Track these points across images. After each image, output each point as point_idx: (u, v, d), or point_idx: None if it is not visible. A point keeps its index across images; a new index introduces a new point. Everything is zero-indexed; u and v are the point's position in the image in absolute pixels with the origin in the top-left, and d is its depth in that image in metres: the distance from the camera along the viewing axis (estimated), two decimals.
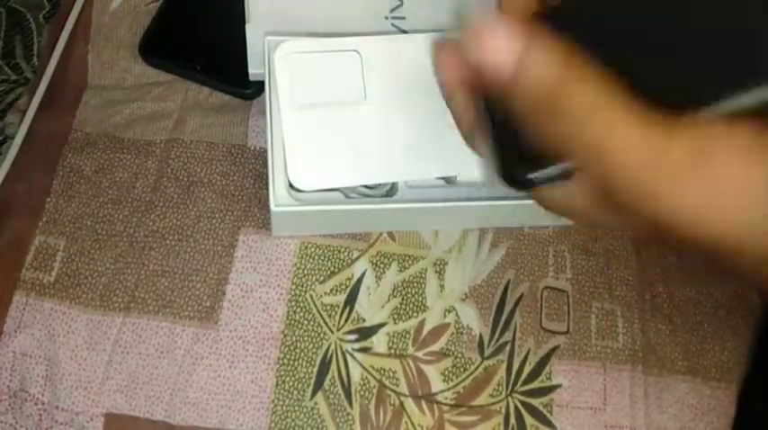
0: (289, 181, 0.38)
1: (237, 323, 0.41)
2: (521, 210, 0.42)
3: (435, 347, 0.42)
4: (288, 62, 0.39)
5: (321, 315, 0.42)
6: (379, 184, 0.40)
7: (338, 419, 0.40)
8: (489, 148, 0.25)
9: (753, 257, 0.19)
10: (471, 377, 0.41)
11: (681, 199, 0.19)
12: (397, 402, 0.40)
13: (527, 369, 0.42)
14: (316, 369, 0.41)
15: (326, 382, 0.40)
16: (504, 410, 0.41)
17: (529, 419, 0.41)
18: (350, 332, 0.42)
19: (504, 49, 0.19)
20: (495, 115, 0.25)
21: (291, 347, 0.41)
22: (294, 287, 0.42)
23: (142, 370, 0.40)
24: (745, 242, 0.19)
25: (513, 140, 0.24)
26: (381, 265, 0.43)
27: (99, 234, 0.43)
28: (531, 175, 0.24)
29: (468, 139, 0.27)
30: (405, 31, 0.45)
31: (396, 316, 0.42)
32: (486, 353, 0.42)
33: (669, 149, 0.19)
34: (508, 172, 0.25)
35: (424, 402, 0.41)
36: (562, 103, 0.19)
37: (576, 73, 0.19)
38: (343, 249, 0.43)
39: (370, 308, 0.42)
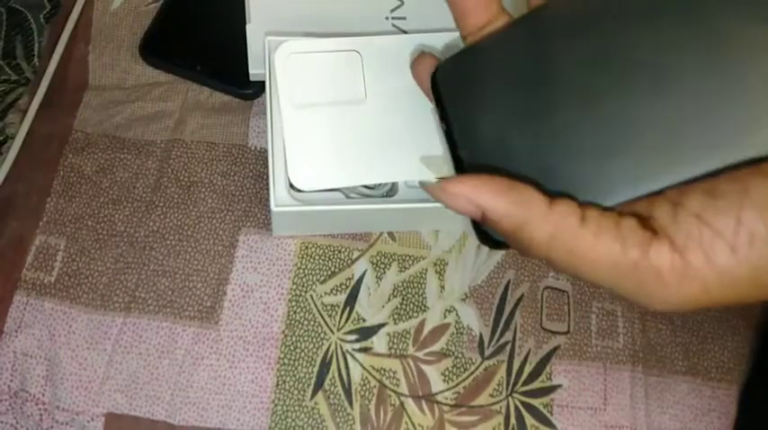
0: (289, 181, 0.38)
1: (238, 323, 0.41)
2: None
3: (435, 347, 0.42)
4: (288, 62, 0.39)
5: (321, 315, 0.42)
6: (379, 184, 0.40)
7: (338, 419, 0.40)
8: None
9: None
10: (471, 377, 0.41)
11: (668, 299, 0.21)
12: (398, 402, 0.40)
13: (527, 369, 0.42)
14: (316, 369, 0.41)
15: (327, 382, 0.40)
16: (504, 410, 0.41)
17: (529, 419, 0.41)
18: (350, 332, 0.42)
19: (466, 208, 0.23)
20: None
21: (292, 347, 0.41)
22: (294, 287, 0.42)
23: (143, 370, 0.40)
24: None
25: None
26: (381, 265, 0.43)
27: (99, 234, 0.43)
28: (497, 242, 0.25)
29: None
30: (405, 31, 0.45)
31: (396, 316, 0.42)
32: (487, 353, 0.42)
33: (648, 264, 0.21)
34: (482, 234, 0.26)
35: (424, 402, 0.41)
36: (524, 240, 0.22)
37: (530, 215, 0.22)
38: (343, 249, 0.43)
39: (371, 308, 0.42)
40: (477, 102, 0.26)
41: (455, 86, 0.27)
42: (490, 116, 0.25)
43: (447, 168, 0.39)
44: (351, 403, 0.40)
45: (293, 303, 0.42)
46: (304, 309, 0.42)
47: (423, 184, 0.24)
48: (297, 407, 0.40)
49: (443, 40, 0.40)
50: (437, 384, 0.41)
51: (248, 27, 0.44)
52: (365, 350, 0.41)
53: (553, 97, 0.24)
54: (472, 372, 0.41)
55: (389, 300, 0.43)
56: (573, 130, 0.23)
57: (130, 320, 0.41)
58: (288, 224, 0.41)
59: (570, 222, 0.21)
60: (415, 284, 0.43)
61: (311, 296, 0.42)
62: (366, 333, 0.42)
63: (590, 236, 0.21)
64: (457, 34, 0.32)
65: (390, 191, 0.41)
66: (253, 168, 0.45)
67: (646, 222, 0.22)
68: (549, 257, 0.22)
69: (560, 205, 0.22)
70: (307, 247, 0.43)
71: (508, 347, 0.42)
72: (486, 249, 0.44)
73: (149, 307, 0.41)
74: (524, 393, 0.41)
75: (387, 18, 0.46)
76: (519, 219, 0.22)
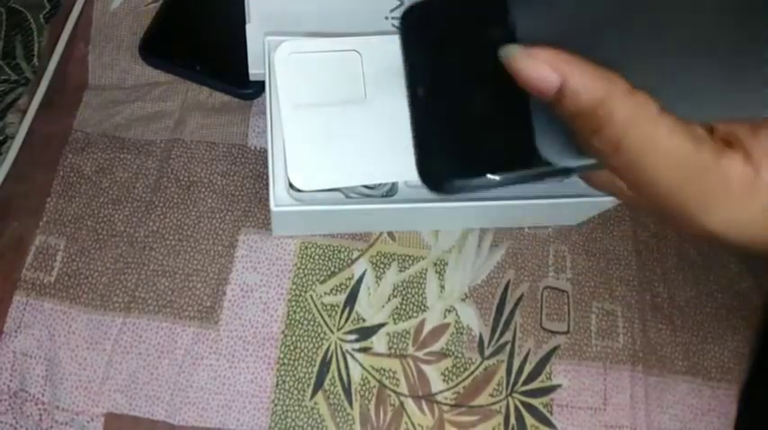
0: (289, 181, 0.38)
1: (238, 323, 0.41)
2: (521, 210, 0.41)
3: (435, 347, 0.42)
4: (288, 62, 0.39)
5: (321, 315, 0.42)
6: (379, 184, 0.40)
7: (338, 419, 0.40)
8: (413, 141, 0.25)
9: None
10: (471, 377, 0.41)
11: (729, 212, 0.21)
12: (397, 402, 0.40)
13: (527, 369, 0.42)
14: (316, 369, 0.41)
15: (326, 382, 0.40)
16: (504, 410, 0.41)
17: (529, 419, 0.41)
18: (350, 332, 0.42)
19: (548, 76, 0.21)
20: (426, 107, 0.25)
21: (291, 347, 0.41)
22: (294, 287, 0.42)
23: (142, 370, 0.40)
24: None
25: (442, 138, 0.24)
26: (381, 265, 0.43)
27: (99, 234, 0.43)
28: (459, 182, 0.23)
29: None
30: None
31: (396, 316, 0.42)
32: (487, 353, 0.42)
33: (718, 169, 0.21)
34: (426, 174, 0.24)
35: (424, 402, 0.40)
36: (601, 118, 0.21)
37: (613, 90, 0.21)
38: (343, 249, 0.43)
39: (371, 308, 0.42)
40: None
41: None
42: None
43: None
44: (350, 403, 0.40)
45: (293, 303, 0.42)
46: (304, 309, 0.42)
47: (501, 51, 0.22)
48: (297, 407, 0.40)
49: None
50: (437, 384, 0.41)
51: (248, 27, 0.44)
52: (365, 350, 0.41)
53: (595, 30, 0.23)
54: (472, 372, 0.41)
55: (389, 299, 0.43)
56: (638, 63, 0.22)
57: (130, 320, 0.41)
58: (288, 224, 0.41)
59: (650, 109, 0.21)
60: (415, 284, 0.43)
61: (311, 296, 0.42)
62: (366, 333, 0.42)
63: (666, 128, 0.21)
64: None
65: (390, 191, 0.40)
66: (253, 168, 0.45)
67: (721, 134, 0.22)
68: (620, 142, 0.21)
69: (640, 92, 0.21)
70: (306, 247, 0.43)
71: (508, 347, 0.42)
72: (486, 249, 0.44)
73: (149, 307, 0.41)
74: (524, 393, 0.41)
75: (386, 18, 0.46)
76: (601, 92, 0.21)
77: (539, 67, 0.21)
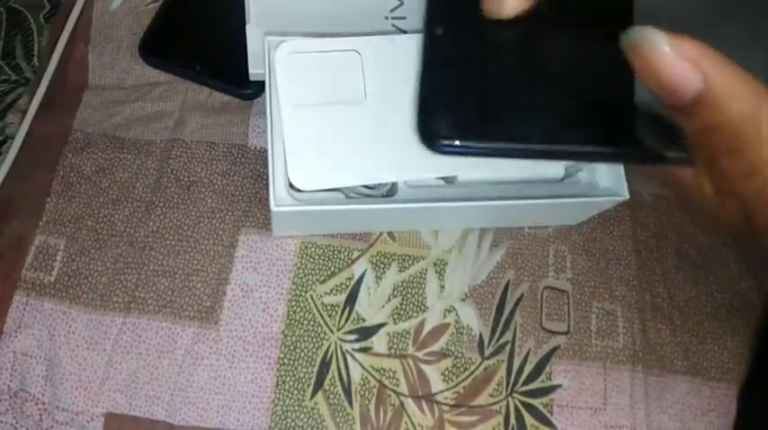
0: (289, 181, 0.38)
1: (238, 323, 0.41)
2: (521, 210, 0.42)
3: (435, 347, 0.42)
4: (288, 62, 0.39)
5: (321, 315, 0.42)
6: (379, 184, 0.40)
7: (338, 419, 0.40)
8: (416, 92, 0.20)
9: None
10: (471, 377, 0.41)
11: None
12: (397, 402, 0.40)
13: (527, 369, 0.42)
14: (316, 369, 0.41)
15: (326, 382, 0.40)
16: (504, 410, 0.41)
17: (529, 419, 0.41)
18: (350, 332, 0.42)
19: (688, 76, 0.17)
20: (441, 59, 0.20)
21: (291, 347, 0.41)
22: (294, 287, 0.42)
23: (142, 370, 0.40)
24: None
25: (454, 90, 0.20)
26: (381, 265, 0.43)
27: (99, 234, 0.43)
28: (453, 143, 0.19)
29: None
30: (405, 31, 0.45)
31: (396, 316, 0.42)
32: (486, 353, 0.42)
33: None
34: (427, 128, 0.19)
35: (424, 402, 0.41)
36: (745, 134, 0.18)
37: (764, 104, 0.18)
38: (343, 249, 0.43)
39: (371, 308, 0.42)
40: None
41: None
42: None
43: (446, 167, 0.39)
44: (350, 403, 0.40)
45: (293, 303, 0.42)
46: (304, 309, 0.42)
47: (630, 33, 0.17)
48: (297, 407, 0.40)
49: None
50: (437, 384, 0.41)
51: (248, 27, 0.44)
52: (365, 350, 0.41)
53: None
54: (472, 372, 0.41)
55: (389, 299, 0.43)
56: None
57: (130, 320, 0.41)
58: (288, 224, 0.41)
59: None
60: (415, 284, 0.43)
61: (311, 296, 0.42)
62: (366, 333, 0.42)
63: None
64: None
65: (390, 191, 0.40)
66: (253, 168, 0.45)
67: None
68: (765, 166, 0.18)
69: None
70: (306, 247, 0.43)
71: (508, 347, 0.42)
72: (486, 249, 0.44)
73: (149, 307, 0.41)
74: (524, 393, 0.41)
75: (387, 18, 0.46)
76: (751, 103, 0.17)
77: (676, 63, 0.17)
